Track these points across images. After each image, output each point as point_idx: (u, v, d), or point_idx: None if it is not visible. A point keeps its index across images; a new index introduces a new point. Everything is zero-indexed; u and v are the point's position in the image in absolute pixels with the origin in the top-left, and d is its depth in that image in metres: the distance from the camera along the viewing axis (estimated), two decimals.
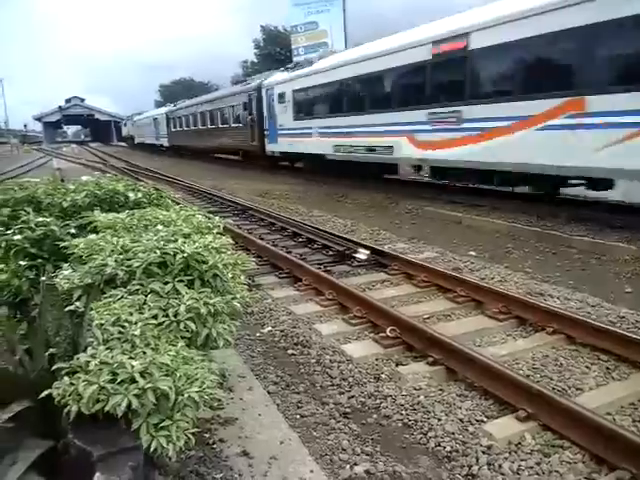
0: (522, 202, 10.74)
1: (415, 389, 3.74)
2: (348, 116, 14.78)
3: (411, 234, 9.31)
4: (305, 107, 17.44)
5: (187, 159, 33.73)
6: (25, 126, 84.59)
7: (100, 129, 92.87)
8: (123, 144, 55.72)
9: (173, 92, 75.91)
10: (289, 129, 18.44)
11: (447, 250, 7.94)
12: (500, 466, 2.87)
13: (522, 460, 2.93)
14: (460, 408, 3.48)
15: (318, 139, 16.52)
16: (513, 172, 10.04)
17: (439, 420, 3.33)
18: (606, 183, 9.31)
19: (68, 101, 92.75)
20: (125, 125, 57.31)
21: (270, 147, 20.20)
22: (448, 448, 3.05)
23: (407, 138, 12.47)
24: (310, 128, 16.91)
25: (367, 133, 14.01)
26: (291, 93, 18.05)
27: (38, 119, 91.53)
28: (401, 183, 14.65)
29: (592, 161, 8.16)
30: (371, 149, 13.95)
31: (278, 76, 19.95)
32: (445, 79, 11.41)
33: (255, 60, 55.77)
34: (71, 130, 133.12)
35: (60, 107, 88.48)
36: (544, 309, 4.87)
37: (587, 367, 4.08)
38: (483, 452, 2.99)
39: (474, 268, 6.91)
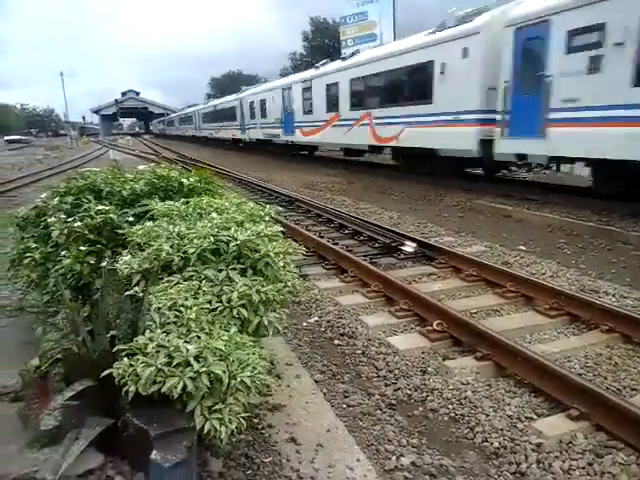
0: (576, 196, 10.38)
1: (462, 384, 3.70)
2: (249, 120, 28.65)
3: (458, 227, 9.17)
4: (254, 111, 28.97)
5: (234, 151, 34.53)
6: (83, 118, 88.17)
7: (153, 121, 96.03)
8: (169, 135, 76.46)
9: (224, 85, 77.15)
10: (250, 125, 30.13)
11: (496, 244, 7.77)
12: (550, 465, 2.81)
13: (573, 460, 2.86)
14: (509, 404, 3.43)
15: (259, 130, 28.05)
16: (332, 148, 22.24)
17: (487, 415, 3.28)
18: (378, 151, 17.93)
19: (124, 94, 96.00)
20: (152, 124, 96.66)
21: (244, 136, 31.79)
22: (496, 444, 3.01)
23: (300, 130, 22.38)
24: (256, 124, 28.65)
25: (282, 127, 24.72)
26: (248, 103, 30.00)
27: (96, 112, 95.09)
28: (448, 176, 14.38)
29: (344, 140, 18.29)
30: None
31: (250, 90, 31.56)
32: (306, 100, 21.53)
33: (304, 52, 55.81)
34: (126, 123, 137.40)
35: (116, 100, 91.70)
36: (598, 306, 4.71)
37: None
38: (533, 450, 2.93)
39: (524, 263, 6.75)
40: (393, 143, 15.10)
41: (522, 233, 8.56)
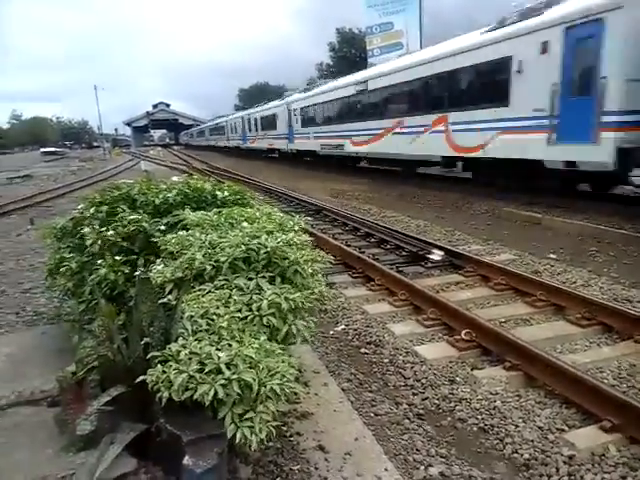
0: (607, 203, 10.17)
1: (491, 394, 3.67)
2: (230, 134, 49.06)
3: (487, 235, 9.07)
4: (232, 128, 47.02)
5: (260, 160, 35.39)
6: (116, 130, 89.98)
7: (180, 134, 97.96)
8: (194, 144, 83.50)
9: (252, 96, 78.06)
10: (230, 137, 48.62)
11: (525, 252, 7.67)
12: (582, 478, 2.77)
13: (606, 472, 2.81)
14: (539, 415, 3.38)
15: (235, 140, 46.12)
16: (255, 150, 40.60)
17: (516, 426, 3.25)
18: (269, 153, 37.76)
19: (155, 106, 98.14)
20: (180, 136, 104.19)
21: (228, 144, 49.75)
22: (526, 455, 2.98)
23: (249, 141, 40.63)
24: (234, 136, 46.35)
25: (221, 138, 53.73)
26: (229, 123, 48.49)
27: (128, 124, 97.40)
28: (474, 183, 14.23)
29: (261, 145, 36.67)
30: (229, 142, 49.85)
31: (231, 116, 50.12)
32: (250, 124, 39.31)
33: (330, 62, 56.18)
34: (157, 134, 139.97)
35: (147, 112, 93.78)
36: (632, 316, 4.60)
37: None
38: (564, 462, 2.89)
39: (554, 272, 6.64)
40: (274, 147, 32.48)
41: (552, 241, 8.43)
